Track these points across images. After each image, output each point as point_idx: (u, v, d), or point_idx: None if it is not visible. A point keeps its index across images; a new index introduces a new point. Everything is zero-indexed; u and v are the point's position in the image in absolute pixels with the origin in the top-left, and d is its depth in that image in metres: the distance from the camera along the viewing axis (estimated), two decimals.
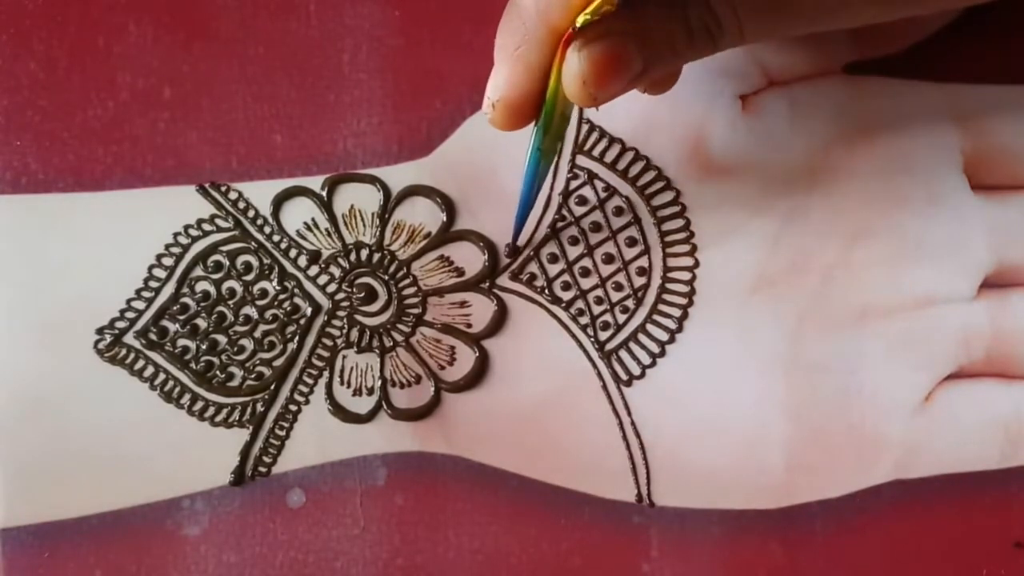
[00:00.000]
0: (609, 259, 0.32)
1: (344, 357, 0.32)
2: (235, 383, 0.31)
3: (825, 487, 0.31)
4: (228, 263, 0.32)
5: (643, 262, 0.32)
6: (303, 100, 0.32)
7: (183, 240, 0.32)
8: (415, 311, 0.32)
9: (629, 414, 0.31)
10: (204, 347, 0.31)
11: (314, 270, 0.32)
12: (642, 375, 0.31)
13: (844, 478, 0.31)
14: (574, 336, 0.32)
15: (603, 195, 0.32)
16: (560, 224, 0.32)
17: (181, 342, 0.31)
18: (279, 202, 0.32)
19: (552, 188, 0.32)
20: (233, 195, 0.32)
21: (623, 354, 0.31)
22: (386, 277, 0.32)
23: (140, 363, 0.31)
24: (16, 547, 0.30)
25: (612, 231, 0.32)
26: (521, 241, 0.32)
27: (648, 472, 0.31)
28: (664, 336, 0.31)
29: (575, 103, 0.26)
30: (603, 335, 0.32)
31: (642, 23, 0.26)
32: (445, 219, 0.32)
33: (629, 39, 0.26)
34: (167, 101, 0.32)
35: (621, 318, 0.32)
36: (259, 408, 0.31)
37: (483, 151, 0.32)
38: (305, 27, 0.32)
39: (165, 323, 0.31)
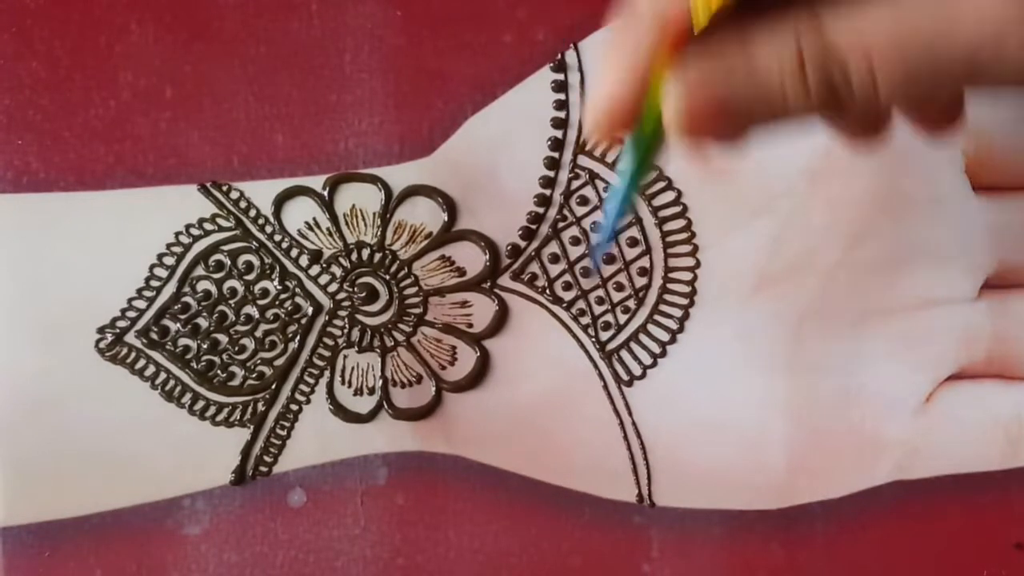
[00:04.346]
0: (610, 259, 0.32)
1: (345, 357, 0.32)
2: (236, 382, 0.31)
3: (825, 488, 0.31)
4: (229, 262, 0.32)
5: (644, 262, 0.32)
6: (305, 100, 0.32)
7: (184, 239, 0.32)
8: (416, 311, 0.32)
9: (630, 414, 0.31)
10: (205, 346, 0.31)
11: (315, 270, 0.32)
12: (643, 375, 0.31)
13: (844, 479, 0.31)
14: (575, 336, 0.32)
15: (604, 195, 0.32)
16: (561, 224, 0.32)
17: (182, 341, 0.31)
18: (280, 201, 0.32)
19: (554, 188, 0.32)
20: (234, 194, 0.32)
21: (624, 354, 0.31)
22: (387, 277, 0.32)
23: (141, 362, 0.31)
24: (16, 547, 0.30)
25: None
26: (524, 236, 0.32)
27: (649, 472, 0.31)
28: (665, 336, 0.31)
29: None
30: (604, 335, 0.32)
31: (748, 52, 0.22)
32: (446, 219, 0.32)
33: (731, 74, 0.22)
34: (169, 100, 0.32)
35: (622, 318, 0.32)
36: (260, 407, 0.31)
37: (484, 151, 0.32)
38: (307, 27, 0.32)
39: (166, 322, 0.31)
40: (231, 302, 0.32)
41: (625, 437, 0.31)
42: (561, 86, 0.32)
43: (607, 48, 0.23)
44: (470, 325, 0.32)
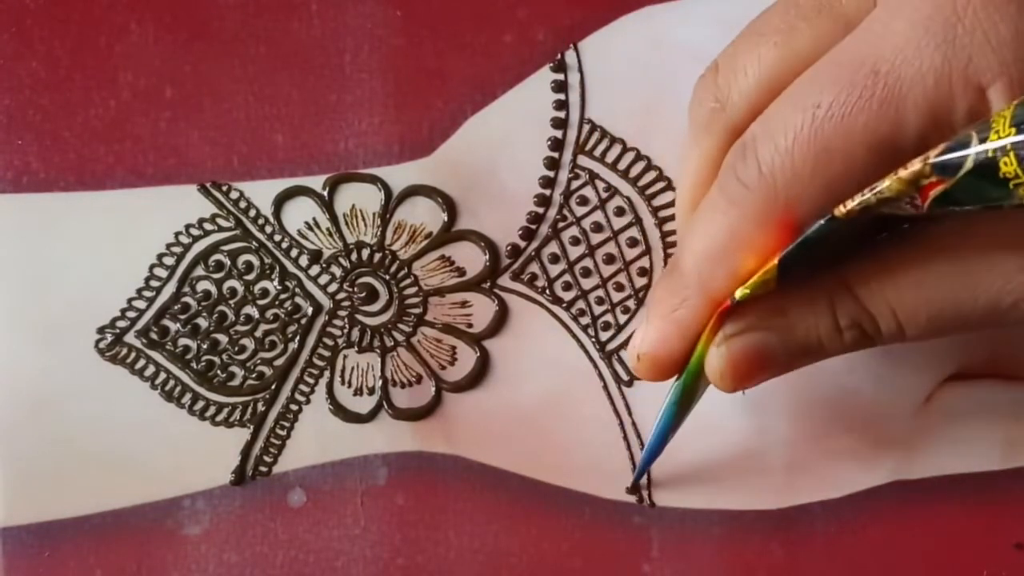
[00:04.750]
0: (610, 259, 0.32)
1: (345, 357, 0.32)
2: (236, 382, 0.31)
3: (825, 487, 0.31)
4: (229, 262, 0.32)
5: (644, 262, 0.32)
6: (304, 100, 0.32)
7: (184, 239, 0.32)
8: (416, 311, 0.32)
9: (630, 414, 0.31)
10: (205, 346, 0.31)
11: (315, 270, 0.32)
12: None
13: (844, 478, 0.31)
14: (575, 336, 0.32)
15: (604, 195, 0.32)
16: (561, 224, 0.32)
17: (182, 341, 0.31)
18: (280, 201, 0.32)
19: (554, 188, 0.32)
20: (234, 194, 0.32)
21: (624, 354, 0.31)
22: (387, 277, 0.32)
23: (141, 362, 0.31)
24: (16, 547, 0.30)
25: (613, 231, 0.32)
26: (524, 238, 0.32)
27: (649, 472, 0.31)
28: None
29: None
30: (604, 335, 0.32)
31: (787, 318, 0.25)
32: (446, 219, 0.32)
33: (772, 337, 0.25)
34: (168, 100, 0.32)
35: (622, 318, 0.32)
36: (260, 407, 0.31)
37: (484, 151, 0.32)
38: (307, 27, 0.32)
39: (166, 322, 0.31)
40: (231, 302, 0.32)
41: (625, 437, 0.31)
42: (561, 86, 0.32)
43: (653, 302, 0.26)
44: (470, 325, 0.32)
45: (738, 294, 0.24)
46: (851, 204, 0.22)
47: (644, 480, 0.31)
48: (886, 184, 0.21)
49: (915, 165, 0.21)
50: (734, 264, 0.24)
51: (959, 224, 0.23)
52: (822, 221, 0.23)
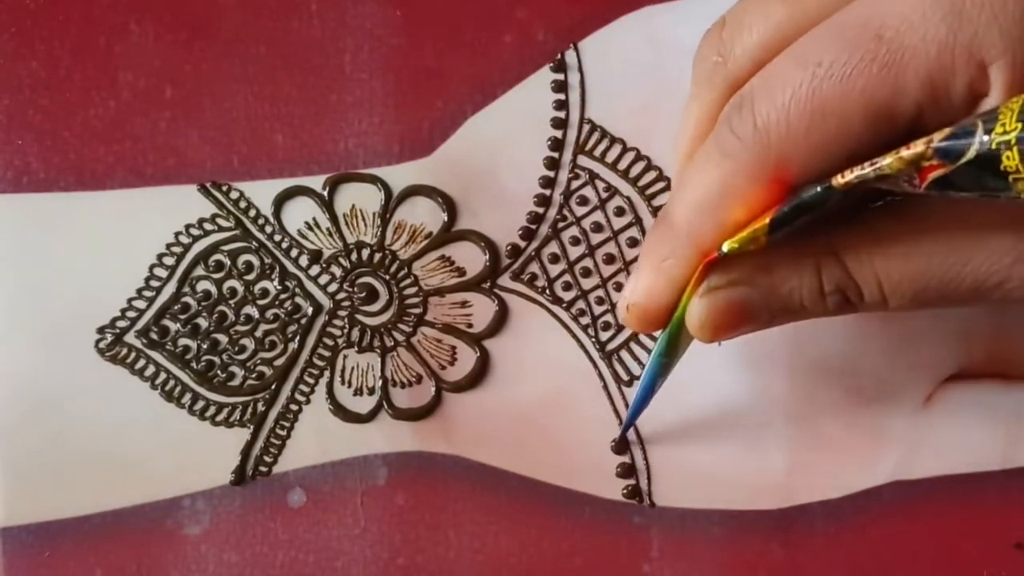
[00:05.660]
0: (610, 259, 0.32)
1: (345, 357, 0.32)
2: (236, 382, 0.31)
3: (825, 488, 0.31)
4: (229, 262, 0.32)
5: None
6: (304, 100, 0.32)
7: (184, 239, 0.32)
8: (416, 311, 0.32)
9: None
10: (205, 346, 0.31)
11: (315, 270, 0.32)
12: None
13: (844, 479, 0.31)
14: (575, 336, 0.32)
15: (604, 195, 0.32)
16: (561, 224, 0.32)
17: (182, 341, 0.31)
18: (280, 201, 0.32)
19: (554, 188, 0.32)
20: (234, 194, 0.32)
21: (624, 354, 0.31)
22: (387, 277, 0.32)
23: (141, 362, 0.31)
24: (16, 547, 0.30)
25: (613, 231, 0.32)
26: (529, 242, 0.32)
27: (649, 472, 0.31)
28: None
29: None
30: (604, 335, 0.32)
31: (772, 277, 0.25)
32: (446, 219, 0.32)
33: (755, 293, 0.25)
34: (168, 100, 0.32)
35: None
36: (260, 407, 0.31)
37: (484, 151, 0.32)
38: (307, 27, 0.32)
39: (166, 322, 0.31)
40: (231, 302, 0.32)
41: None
42: (561, 86, 0.32)
43: (643, 252, 0.26)
44: (470, 325, 0.32)
45: (726, 247, 0.24)
46: (849, 176, 0.22)
47: (644, 479, 0.31)
48: (887, 162, 0.22)
49: (918, 147, 0.21)
50: (724, 216, 0.24)
51: (953, 201, 0.23)
52: (819, 188, 0.23)
